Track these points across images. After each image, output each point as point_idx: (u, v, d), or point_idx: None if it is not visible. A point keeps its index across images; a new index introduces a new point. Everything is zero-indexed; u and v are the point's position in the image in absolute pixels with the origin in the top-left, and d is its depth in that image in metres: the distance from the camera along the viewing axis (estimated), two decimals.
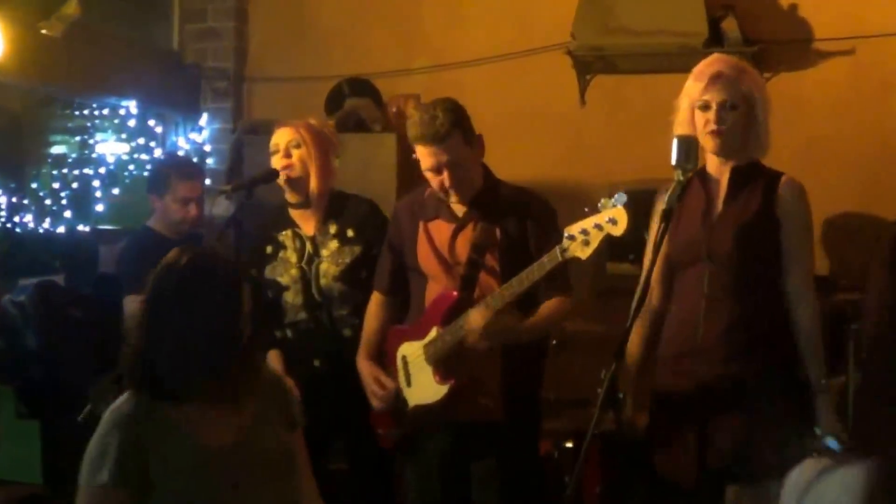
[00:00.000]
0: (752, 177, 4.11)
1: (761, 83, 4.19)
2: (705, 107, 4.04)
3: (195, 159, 6.99)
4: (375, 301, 4.75)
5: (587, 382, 5.41)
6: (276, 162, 4.94)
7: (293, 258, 4.97)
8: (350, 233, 4.90)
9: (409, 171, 6.51)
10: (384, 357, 4.63)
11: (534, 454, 4.73)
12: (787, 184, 4.08)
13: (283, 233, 5.01)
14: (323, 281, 4.90)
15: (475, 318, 4.15)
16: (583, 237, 3.81)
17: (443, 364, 4.32)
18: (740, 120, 4.05)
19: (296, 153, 4.94)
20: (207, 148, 7.17)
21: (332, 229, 4.95)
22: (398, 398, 4.52)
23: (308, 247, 4.96)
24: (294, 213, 5.03)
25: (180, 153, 6.90)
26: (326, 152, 5.01)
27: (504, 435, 4.39)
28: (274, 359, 5.00)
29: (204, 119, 7.20)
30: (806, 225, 4.12)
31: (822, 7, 6.29)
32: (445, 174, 4.32)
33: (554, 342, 5.39)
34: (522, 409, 4.46)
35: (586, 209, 3.83)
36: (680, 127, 4.08)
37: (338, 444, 5.11)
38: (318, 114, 6.00)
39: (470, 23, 6.85)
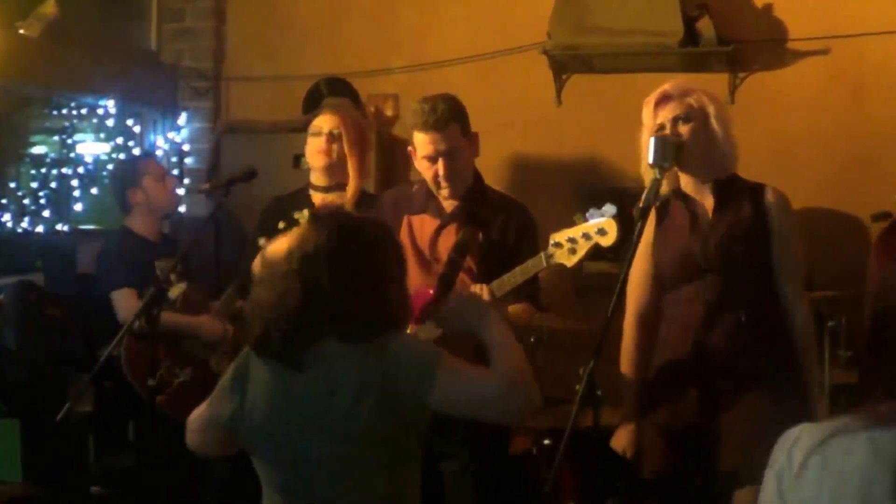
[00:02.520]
0: (736, 190, 4.13)
1: (713, 97, 4.19)
2: (661, 129, 4.06)
3: (174, 158, 7.00)
4: None
5: (565, 380, 5.44)
6: (316, 145, 5.01)
7: None
8: None
9: (388, 171, 6.54)
10: None
11: (503, 452, 4.75)
12: (772, 195, 4.11)
13: (300, 212, 5.11)
14: None
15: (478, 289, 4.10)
16: (570, 245, 3.84)
17: None
18: (698, 132, 4.05)
19: (337, 142, 5.08)
20: (186, 147, 7.16)
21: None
22: None
23: None
24: (315, 196, 5.16)
25: (158, 153, 6.89)
26: (365, 148, 5.21)
27: (476, 432, 4.39)
28: None
29: (182, 118, 7.19)
30: (796, 232, 4.17)
31: (797, 7, 6.31)
32: (441, 163, 4.37)
33: (532, 339, 5.40)
34: None
35: (574, 217, 3.84)
36: (643, 156, 4.07)
37: None
38: (349, 105, 6.05)
39: (447, 22, 6.85)
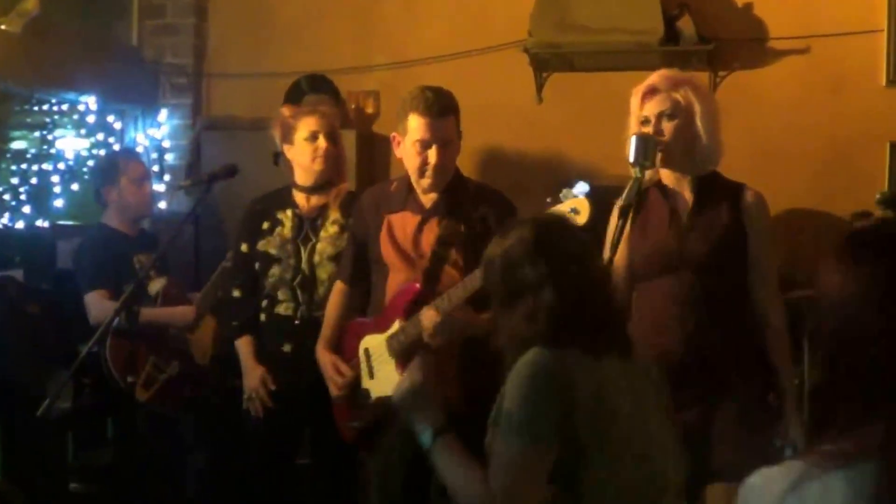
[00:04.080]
0: (716, 188, 4.14)
1: (703, 93, 4.21)
2: (645, 122, 4.08)
3: (154, 155, 6.98)
4: (338, 291, 4.79)
5: None
6: (307, 149, 5.04)
7: (289, 234, 5.06)
8: (351, 222, 4.93)
9: (368, 169, 6.53)
10: (346, 350, 4.64)
11: None
12: (751, 195, 4.14)
13: (283, 212, 5.10)
14: (316, 258, 5.00)
15: (426, 318, 4.18)
16: None
17: (406, 356, 4.30)
18: (681, 129, 4.08)
19: (330, 142, 5.07)
20: (166, 144, 7.14)
21: (334, 215, 5.05)
22: (360, 391, 4.54)
23: (307, 227, 5.06)
24: (299, 196, 5.13)
25: (138, 149, 6.87)
26: (342, 147, 5.20)
27: (464, 428, 4.38)
28: (244, 345, 5.03)
29: (163, 115, 7.18)
30: (771, 234, 4.21)
31: (777, 6, 6.31)
32: (434, 151, 4.36)
33: None
34: (483, 401, 4.45)
35: (548, 199, 3.82)
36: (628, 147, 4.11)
37: (303, 438, 5.15)
38: (330, 103, 6.04)
39: (428, 20, 6.84)
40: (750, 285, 4.09)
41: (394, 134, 4.50)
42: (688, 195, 4.14)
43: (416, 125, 4.37)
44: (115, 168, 5.77)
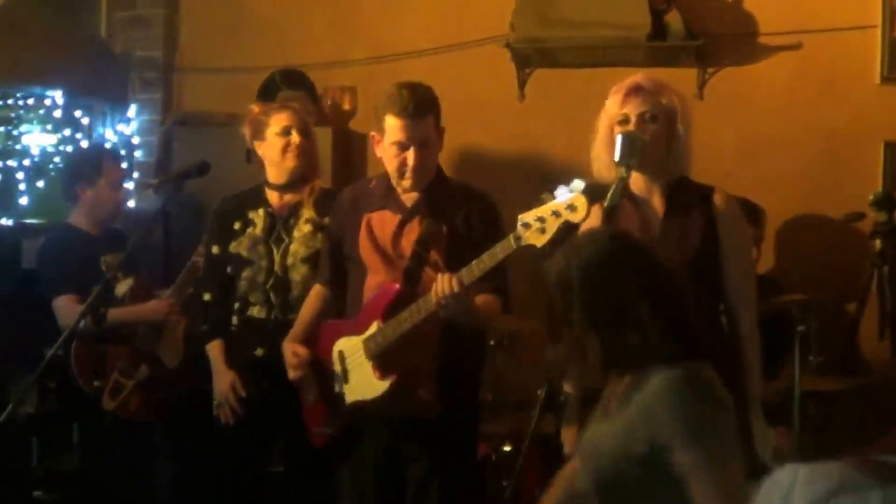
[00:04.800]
0: (686, 192, 4.13)
1: (682, 98, 4.21)
2: (624, 121, 4.06)
3: (123, 151, 6.93)
4: (314, 293, 4.77)
5: (526, 384, 5.41)
6: (279, 144, 5.05)
7: (260, 234, 5.05)
8: (327, 221, 4.90)
9: (344, 167, 6.50)
10: (320, 352, 4.60)
11: (471, 456, 4.73)
12: (721, 198, 4.14)
13: (255, 211, 5.10)
14: (289, 260, 5.00)
15: (444, 283, 4.06)
16: (539, 225, 3.80)
17: (384, 360, 4.29)
18: (661, 133, 4.07)
19: (304, 137, 5.09)
20: (135, 140, 7.11)
21: (308, 213, 5.04)
22: (334, 395, 4.49)
23: (279, 226, 5.05)
24: (271, 195, 5.13)
25: (107, 145, 6.82)
26: (315, 142, 5.22)
27: (440, 435, 4.37)
28: (215, 349, 5.01)
29: (132, 110, 7.14)
30: (745, 236, 4.26)
31: (768, 0, 6.28)
32: (412, 152, 4.35)
33: (492, 342, 5.36)
34: (460, 407, 4.45)
35: (542, 195, 3.82)
36: (598, 146, 4.13)
37: (276, 446, 5.13)
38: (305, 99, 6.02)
39: (408, 14, 6.82)
40: (723, 293, 4.08)
41: (373, 133, 4.48)
42: (657, 202, 4.12)
43: (392, 126, 4.34)
44: (97, 167, 5.73)
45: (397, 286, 4.31)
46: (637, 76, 4.16)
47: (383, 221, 4.48)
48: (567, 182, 3.83)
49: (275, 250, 5.01)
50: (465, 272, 4.02)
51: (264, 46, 6.95)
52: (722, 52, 6.29)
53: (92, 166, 5.74)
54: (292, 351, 4.60)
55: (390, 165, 4.42)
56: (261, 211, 5.07)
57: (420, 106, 4.32)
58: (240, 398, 4.95)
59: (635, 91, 4.08)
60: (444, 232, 4.38)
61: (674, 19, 6.13)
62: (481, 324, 4.43)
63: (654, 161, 4.05)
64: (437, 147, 4.47)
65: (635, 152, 3.85)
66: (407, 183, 4.43)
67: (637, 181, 4.11)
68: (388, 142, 4.37)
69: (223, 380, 5.00)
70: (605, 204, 3.76)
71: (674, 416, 2.85)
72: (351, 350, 4.42)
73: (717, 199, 4.11)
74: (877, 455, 1.72)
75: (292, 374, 4.59)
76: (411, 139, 4.33)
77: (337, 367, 4.49)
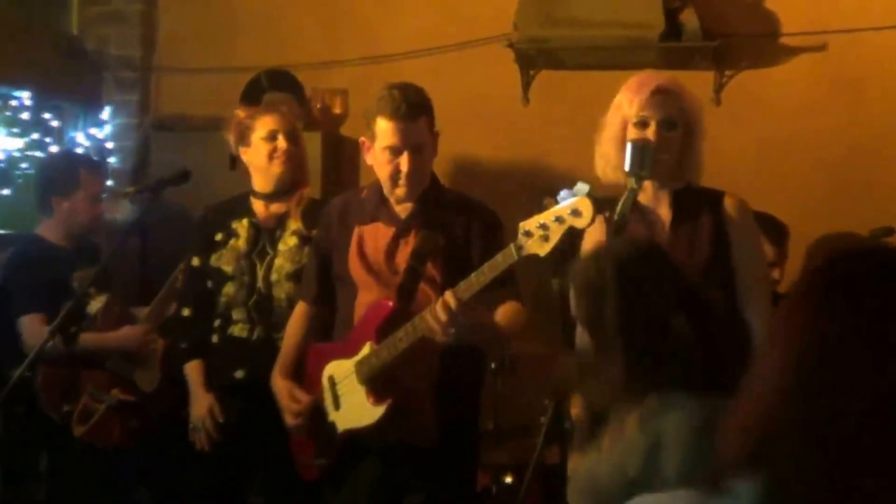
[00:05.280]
0: (693, 199, 4.14)
1: (700, 103, 4.24)
2: (643, 124, 4.06)
3: (96, 158, 6.92)
4: (300, 312, 4.76)
5: (529, 411, 5.41)
6: (265, 149, 5.04)
7: (244, 247, 5.04)
8: (315, 234, 4.89)
9: (334, 175, 6.51)
10: (307, 377, 4.60)
11: (471, 487, 4.74)
12: (733, 205, 4.16)
13: (239, 221, 5.09)
14: (273, 276, 4.99)
15: (441, 307, 4.04)
16: (541, 232, 3.79)
17: (378, 384, 4.29)
18: (678, 140, 4.09)
19: (291, 142, 5.07)
20: (110, 145, 7.10)
21: (295, 225, 5.04)
22: (324, 423, 4.48)
23: (264, 239, 5.05)
24: (257, 204, 5.13)
25: (79, 150, 6.81)
26: (304, 148, 5.23)
27: (438, 464, 4.37)
28: (193, 370, 5.00)
29: (106, 113, 7.13)
30: (757, 242, 4.27)
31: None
32: (406, 157, 4.34)
33: (493, 366, 5.37)
34: (459, 434, 4.45)
35: (545, 201, 3.81)
36: (607, 144, 4.13)
37: (256, 476, 5.12)
38: (293, 102, 6.03)
39: (405, 11, 6.84)
40: (736, 301, 4.09)
41: (363, 139, 4.48)
42: (664, 211, 4.14)
43: (384, 130, 4.34)
44: (74, 179, 5.69)
45: (391, 303, 4.30)
46: (658, 76, 4.18)
47: (376, 235, 4.48)
48: (570, 185, 3.83)
49: (258, 265, 5.00)
50: (463, 286, 4.02)
51: (249, 45, 6.97)
52: (740, 54, 6.32)
53: (69, 177, 5.70)
54: (289, 394, 4.57)
55: (382, 172, 4.42)
56: (245, 221, 5.07)
57: (413, 107, 4.32)
58: (217, 424, 4.95)
59: (659, 93, 4.08)
60: (442, 244, 4.38)
61: (689, 18, 6.15)
62: (496, 339, 4.46)
63: (666, 170, 4.07)
64: (431, 152, 4.47)
65: (646, 163, 3.86)
66: (401, 191, 4.42)
67: (644, 189, 4.10)
68: (380, 146, 4.37)
69: (200, 403, 4.99)
70: (615, 216, 3.76)
71: (681, 462, 2.86)
72: (342, 374, 4.42)
73: (728, 203, 4.13)
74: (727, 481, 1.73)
75: (291, 420, 4.56)
76: (405, 143, 4.33)
77: (327, 394, 4.48)
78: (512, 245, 3.89)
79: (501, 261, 3.95)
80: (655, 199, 4.16)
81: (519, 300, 4.41)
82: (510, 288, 4.29)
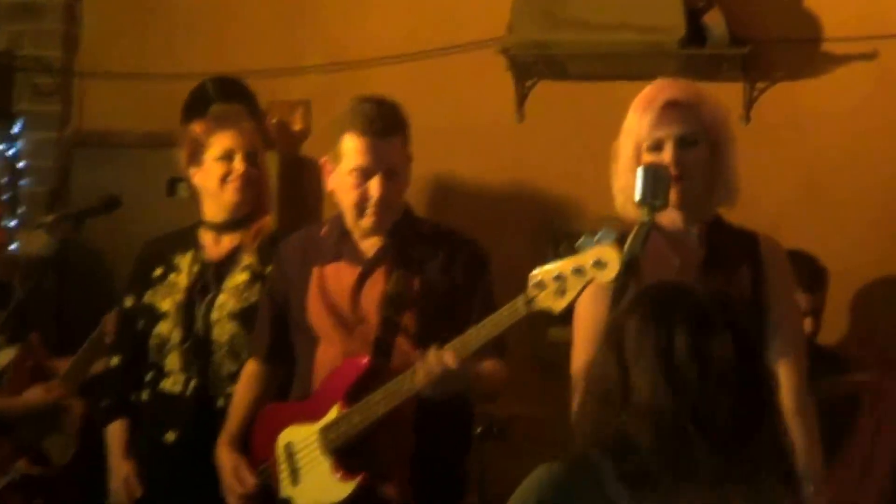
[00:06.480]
0: (726, 237, 4.16)
1: (724, 111, 4.22)
2: (656, 146, 4.04)
3: (4, 179, 6.93)
4: (250, 371, 4.77)
5: (522, 482, 5.44)
6: (219, 171, 5.04)
7: (183, 282, 5.04)
8: (268, 277, 4.91)
9: (293, 203, 6.51)
10: (256, 445, 4.62)
11: None
12: (769, 246, 4.17)
13: (183, 255, 5.09)
14: (214, 315, 4.97)
15: (435, 359, 4.06)
16: (557, 284, 3.76)
17: (346, 454, 4.31)
18: (702, 159, 4.06)
19: (250, 164, 5.07)
20: (22, 164, 7.08)
21: (248, 260, 5.03)
22: (278, 501, 4.50)
23: (209, 273, 5.05)
24: (206, 236, 5.14)
25: None
26: (266, 173, 5.23)
27: None
28: (114, 433, 5.01)
29: (18, 125, 7.12)
30: (792, 294, 4.28)
31: None
32: (377, 181, 4.37)
33: (479, 430, 5.39)
34: (434, 496, 4.46)
35: (560, 248, 3.82)
36: (624, 176, 4.07)
37: None
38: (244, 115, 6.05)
39: (377, 9, 6.85)
40: (770, 357, 4.11)
41: (324, 159, 4.50)
42: (696, 247, 4.15)
43: (352, 148, 4.37)
44: None
45: (366, 360, 4.32)
46: (670, 86, 4.15)
47: (339, 276, 4.50)
48: (572, 217, 3.82)
49: (198, 302, 5.01)
50: (458, 344, 4.05)
51: (192, 48, 6.99)
52: (775, 63, 6.35)
53: None
54: (235, 472, 4.58)
55: (347, 199, 4.44)
56: (189, 255, 5.07)
57: (388, 124, 4.37)
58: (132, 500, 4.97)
59: (671, 107, 4.05)
60: (417, 287, 4.43)
61: (715, 21, 6.17)
62: (488, 398, 4.51)
63: (694, 195, 4.07)
64: (405, 179, 4.51)
65: (661, 190, 3.76)
66: (368, 222, 4.44)
67: (671, 218, 4.10)
68: (346, 168, 4.39)
69: (117, 474, 5.03)
70: (624, 254, 3.76)
71: None
72: (302, 442, 4.42)
73: (765, 246, 4.14)
74: None
75: (233, 503, 4.59)
76: (376, 164, 4.36)
77: (283, 466, 4.48)
78: (520, 298, 3.87)
79: (507, 316, 3.96)
80: (684, 233, 4.13)
81: (500, 356, 4.43)
82: (493, 345, 4.24)
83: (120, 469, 5.02)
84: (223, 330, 4.95)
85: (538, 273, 3.83)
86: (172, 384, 4.99)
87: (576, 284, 3.75)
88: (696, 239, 4.14)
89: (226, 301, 4.98)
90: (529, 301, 3.85)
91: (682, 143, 4.04)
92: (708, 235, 4.13)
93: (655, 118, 4.05)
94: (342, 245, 4.52)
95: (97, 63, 7.20)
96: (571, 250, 3.77)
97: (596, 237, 3.70)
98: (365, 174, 4.38)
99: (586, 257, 3.70)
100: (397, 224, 4.51)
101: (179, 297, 5.02)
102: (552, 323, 5.71)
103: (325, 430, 4.35)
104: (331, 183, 4.51)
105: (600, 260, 3.67)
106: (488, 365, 4.37)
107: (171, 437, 4.96)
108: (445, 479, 4.54)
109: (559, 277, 3.77)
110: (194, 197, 5.19)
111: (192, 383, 4.97)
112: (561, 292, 3.78)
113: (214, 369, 4.95)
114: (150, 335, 5.04)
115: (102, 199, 4.92)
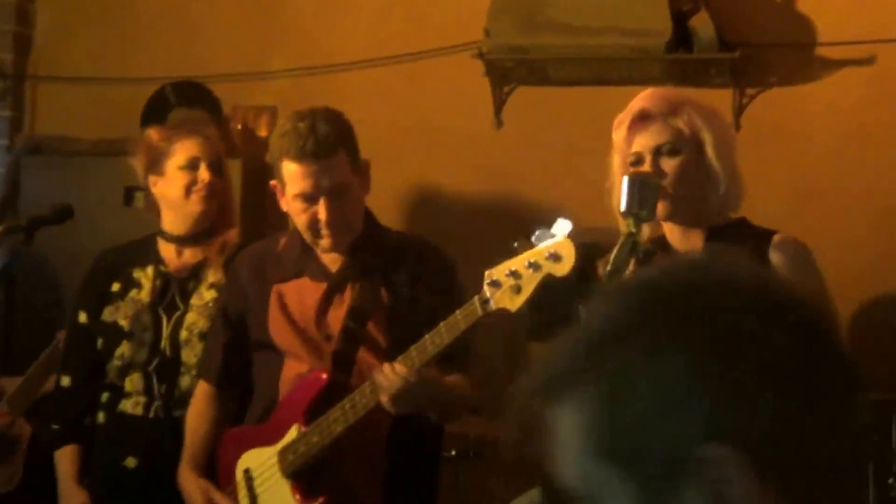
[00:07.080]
0: (735, 240, 4.09)
1: (709, 114, 4.19)
2: (637, 161, 4.05)
3: None
4: (202, 395, 4.72)
5: None
6: (182, 180, 4.98)
7: (147, 299, 4.98)
8: (222, 296, 4.87)
9: (257, 213, 6.47)
10: (221, 471, 4.58)
11: None
12: (781, 245, 4.10)
13: (142, 269, 5.04)
14: (183, 335, 4.94)
15: (389, 374, 4.06)
16: (512, 281, 3.80)
17: (306, 476, 4.27)
18: (687, 169, 4.05)
19: (216, 174, 5.03)
20: None
21: (214, 277, 4.99)
22: None
23: (173, 290, 5.00)
24: (166, 249, 5.09)
25: None
26: (230, 183, 5.24)
27: None
28: (65, 458, 4.94)
29: None
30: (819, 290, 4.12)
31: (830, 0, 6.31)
32: (323, 205, 4.32)
33: (453, 452, 5.35)
34: None
35: (516, 244, 3.79)
36: (616, 193, 4.01)
37: None
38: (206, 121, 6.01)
39: (348, 11, 6.84)
40: None
41: (273, 182, 4.46)
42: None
43: (292, 174, 4.34)
44: None
45: (324, 376, 4.28)
46: (642, 98, 4.15)
47: (302, 293, 4.48)
48: (549, 225, 3.80)
49: (164, 320, 4.95)
50: (415, 352, 4.02)
51: (152, 50, 6.98)
52: (767, 68, 6.34)
53: None
54: (205, 495, 4.54)
55: (299, 222, 4.43)
56: (150, 270, 5.01)
57: (324, 143, 4.29)
58: None
59: (641, 120, 4.08)
60: (384, 298, 4.38)
61: (702, 24, 6.15)
62: (455, 414, 4.45)
63: (687, 202, 4.06)
64: (359, 191, 4.46)
65: (647, 200, 3.78)
66: (325, 243, 4.43)
67: (672, 231, 4.15)
68: (290, 195, 4.37)
69: (70, 502, 4.97)
70: (608, 267, 3.72)
71: None
72: (261, 466, 4.41)
73: (777, 244, 4.09)
74: None
75: None
76: (319, 188, 4.31)
77: (241, 492, 4.46)
78: (476, 298, 3.89)
79: (462, 319, 3.97)
80: (686, 240, 4.13)
81: (466, 373, 4.39)
82: (457, 358, 4.26)
83: (73, 497, 4.96)
84: (192, 351, 4.91)
85: (492, 271, 3.88)
86: (133, 406, 4.94)
87: (531, 280, 3.82)
88: (700, 244, 4.13)
89: (196, 320, 4.93)
90: (485, 301, 3.89)
91: (661, 154, 4.05)
92: (713, 237, 4.11)
93: (629, 133, 4.09)
94: (304, 260, 4.50)
95: (50, 66, 7.23)
96: (528, 245, 3.81)
97: (551, 231, 3.77)
98: (309, 199, 4.33)
99: (541, 251, 3.78)
100: (362, 236, 4.47)
101: (144, 315, 4.95)
102: (531, 338, 5.74)
103: (284, 452, 4.34)
104: (283, 205, 4.47)
105: (556, 253, 3.77)
106: (451, 380, 4.33)
107: (131, 462, 4.91)
108: (419, 501, 4.49)
109: (514, 273, 3.84)
110: (152, 207, 5.13)
111: (155, 405, 4.91)
112: (517, 289, 3.84)
113: (180, 393, 4.89)
114: (111, 355, 4.96)
115: (54, 208, 4.86)
